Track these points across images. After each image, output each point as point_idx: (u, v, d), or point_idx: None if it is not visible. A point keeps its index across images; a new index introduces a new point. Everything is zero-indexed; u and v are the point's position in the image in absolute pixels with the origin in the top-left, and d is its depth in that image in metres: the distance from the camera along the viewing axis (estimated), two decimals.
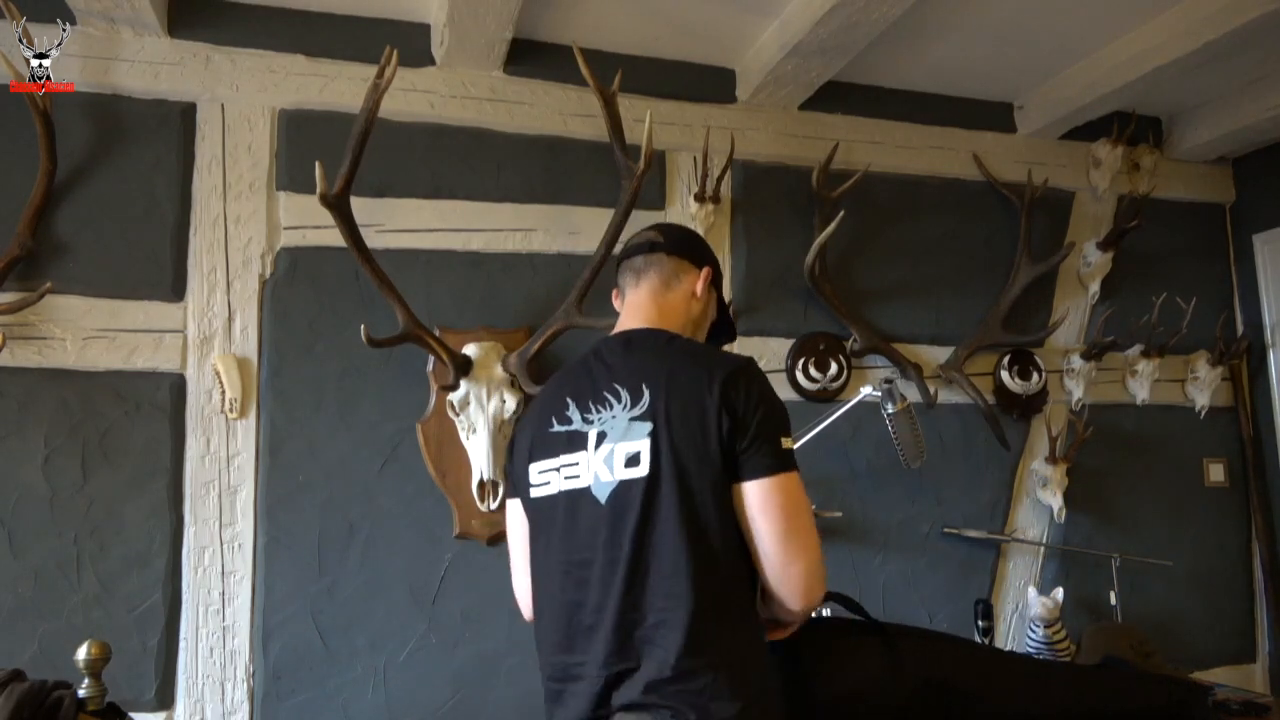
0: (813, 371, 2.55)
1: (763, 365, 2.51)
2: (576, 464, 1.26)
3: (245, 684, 2.04)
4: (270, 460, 2.10)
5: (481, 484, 2.16)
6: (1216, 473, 3.02)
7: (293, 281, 2.17)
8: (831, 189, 2.57)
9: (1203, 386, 2.98)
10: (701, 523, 1.18)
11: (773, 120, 2.64)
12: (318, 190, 1.82)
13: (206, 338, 2.10)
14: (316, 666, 2.07)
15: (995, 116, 2.91)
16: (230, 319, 2.12)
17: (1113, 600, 2.68)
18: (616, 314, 2.07)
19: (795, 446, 1.25)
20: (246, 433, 2.10)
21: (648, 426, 1.21)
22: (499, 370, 2.17)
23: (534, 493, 1.32)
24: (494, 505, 2.18)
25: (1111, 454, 2.88)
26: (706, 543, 1.17)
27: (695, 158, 2.50)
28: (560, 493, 1.28)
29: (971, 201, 2.85)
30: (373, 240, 2.08)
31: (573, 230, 2.40)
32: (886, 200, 2.74)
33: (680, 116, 2.54)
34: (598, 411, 1.27)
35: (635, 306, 1.42)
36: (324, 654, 2.08)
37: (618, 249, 2.17)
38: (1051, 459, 2.71)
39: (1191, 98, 2.94)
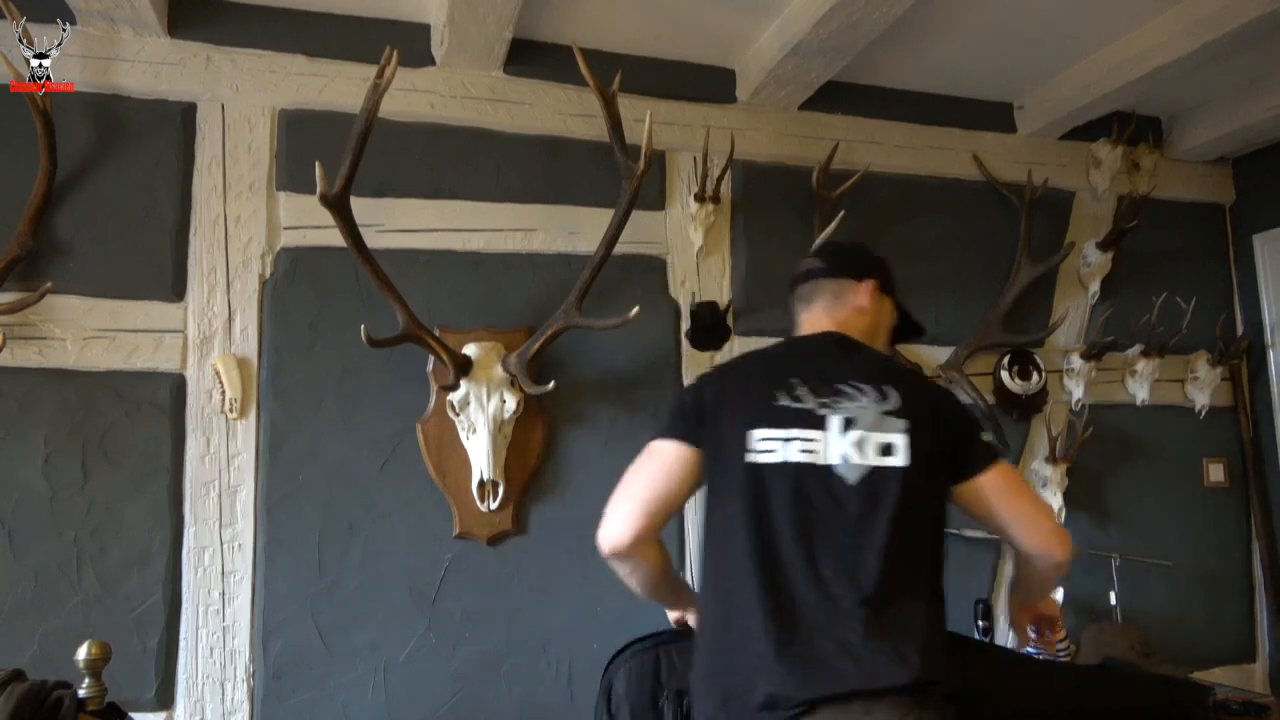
0: None
1: None
2: (815, 440, 1.37)
3: (245, 684, 2.04)
4: (270, 460, 2.10)
5: (481, 484, 2.16)
6: (1216, 473, 3.02)
7: (293, 281, 2.17)
8: (831, 189, 2.57)
9: (1203, 386, 2.98)
10: (941, 512, 1.41)
11: (773, 120, 2.64)
12: (318, 190, 1.82)
13: (206, 338, 2.10)
14: (316, 666, 2.07)
15: (995, 116, 2.91)
16: (230, 319, 2.12)
17: (1113, 600, 2.68)
18: (621, 314, 2.08)
19: None
20: (246, 433, 2.10)
21: (903, 423, 1.37)
22: (499, 370, 2.16)
23: (755, 458, 1.38)
24: (494, 505, 2.18)
25: (1111, 454, 2.88)
26: (940, 531, 1.40)
27: (695, 158, 2.50)
28: (790, 463, 1.36)
29: (971, 201, 2.85)
30: (373, 240, 2.08)
31: (573, 230, 2.40)
32: (886, 200, 2.74)
33: (680, 116, 2.54)
34: (837, 398, 1.39)
35: (815, 324, 1.56)
36: (324, 654, 2.08)
37: (619, 249, 2.20)
38: (1051, 459, 2.71)
39: (1191, 98, 2.94)
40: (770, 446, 1.37)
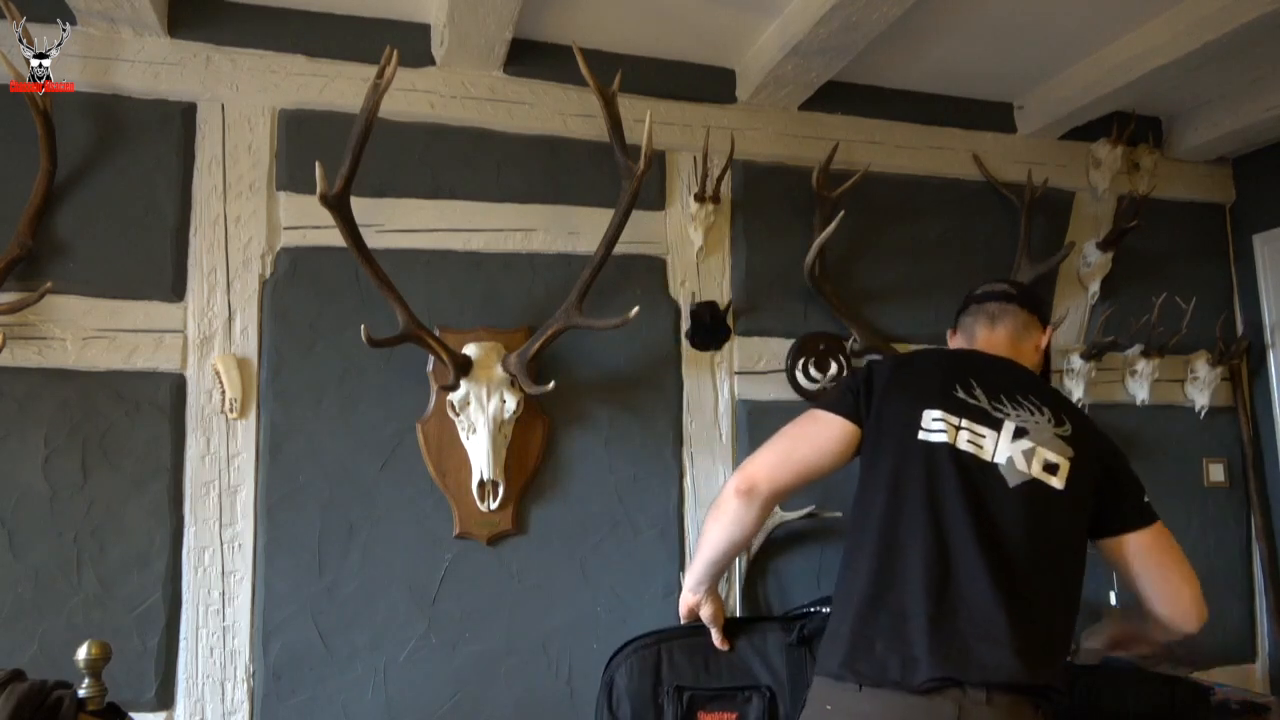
0: (813, 371, 2.55)
1: (762, 365, 2.55)
2: (984, 436, 1.42)
3: (245, 684, 2.04)
4: (270, 460, 2.10)
5: (481, 484, 2.16)
6: (1216, 473, 3.02)
7: (293, 281, 2.17)
8: (831, 189, 2.57)
9: (1203, 386, 2.98)
10: (1084, 548, 1.42)
11: (773, 120, 2.64)
12: (318, 190, 1.82)
13: (206, 338, 2.10)
14: (316, 666, 2.07)
15: (995, 116, 2.91)
16: (230, 319, 2.12)
17: (1113, 600, 2.67)
18: (621, 314, 2.08)
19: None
20: (246, 433, 2.10)
21: (1070, 450, 1.42)
22: (499, 370, 2.16)
23: (926, 436, 1.43)
24: (494, 505, 2.18)
25: None
26: (1082, 565, 1.42)
27: (695, 158, 2.50)
28: (955, 447, 1.41)
29: (971, 201, 2.85)
30: (373, 240, 2.08)
31: (573, 230, 2.40)
32: (886, 200, 2.74)
33: (680, 116, 2.54)
34: (1013, 408, 1.45)
35: (995, 345, 1.62)
36: (324, 654, 2.08)
37: (619, 249, 2.20)
38: None
39: (1191, 98, 2.94)
40: (939, 427, 1.42)
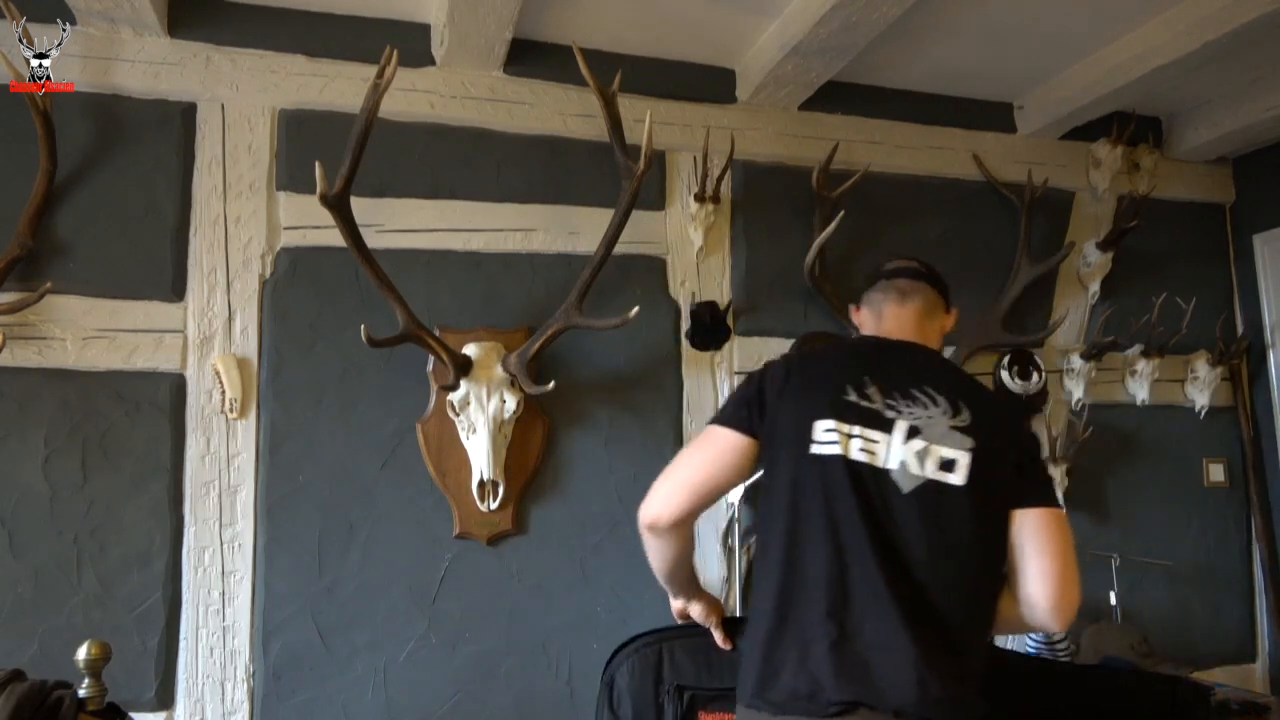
0: None
1: (762, 365, 2.54)
2: (877, 442, 1.35)
3: (245, 684, 2.04)
4: (270, 460, 2.10)
5: (481, 484, 2.16)
6: (1216, 473, 3.02)
7: (293, 281, 2.17)
8: (831, 189, 2.57)
9: (1203, 386, 2.98)
10: (1000, 543, 1.33)
11: (773, 120, 2.64)
12: (318, 190, 1.82)
13: (206, 338, 2.10)
14: (316, 666, 2.07)
15: (995, 116, 2.91)
16: (230, 319, 2.12)
17: (1113, 600, 2.67)
18: (621, 314, 2.08)
19: None
20: (246, 433, 2.10)
21: (969, 441, 1.33)
22: (499, 370, 2.16)
23: (815, 449, 1.36)
24: (494, 505, 2.18)
25: (1111, 454, 2.88)
26: (999, 562, 1.33)
27: (695, 158, 2.50)
28: (847, 458, 1.35)
29: (971, 201, 2.85)
30: (373, 240, 2.08)
31: (573, 230, 2.40)
32: (886, 200, 2.74)
33: (680, 116, 2.54)
34: (907, 404, 1.37)
35: (900, 323, 1.54)
36: (324, 654, 2.08)
37: (619, 249, 2.20)
38: (1051, 459, 2.70)
39: (1191, 98, 2.94)
40: (833, 439, 1.36)
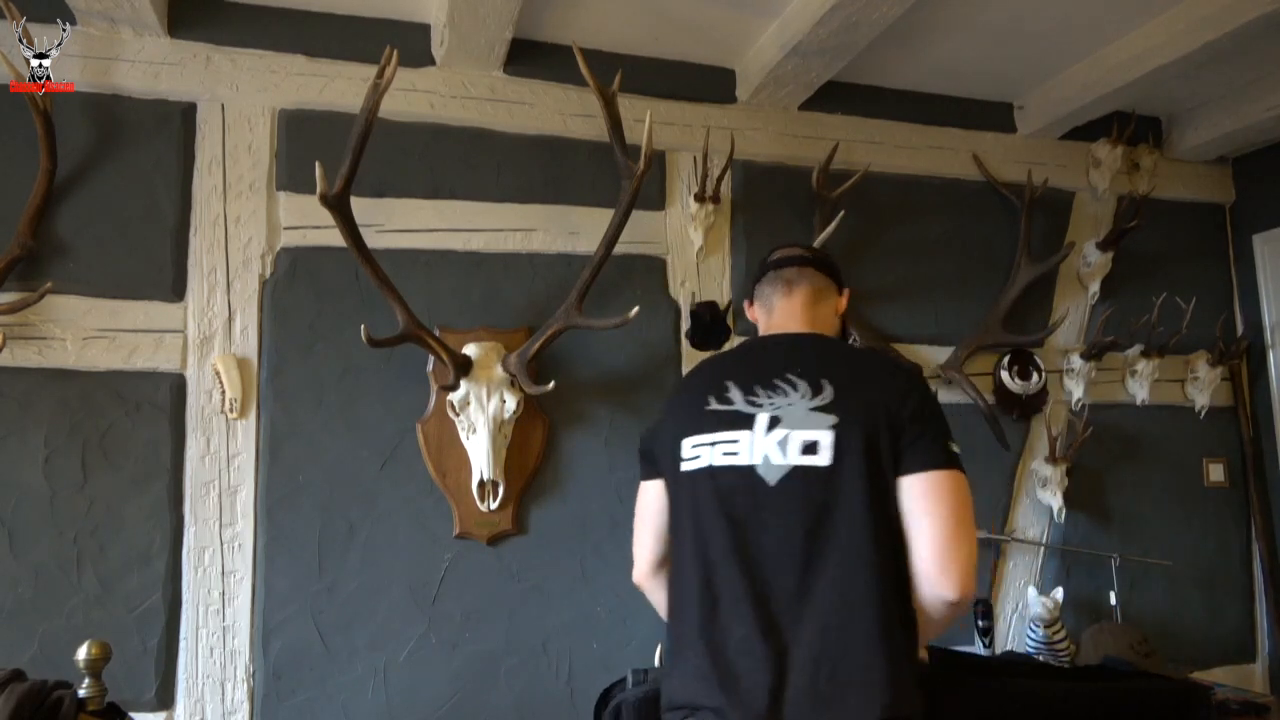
0: None
1: None
2: (738, 441, 1.32)
3: (245, 684, 2.04)
4: (270, 460, 2.10)
5: (481, 484, 2.16)
6: (1216, 473, 3.02)
7: (293, 281, 2.17)
8: (831, 189, 2.57)
9: (1203, 386, 2.98)
10: (885, 515, 1.24)
11: (773, 120, 2.64)
12: (318, 190, 1.82)
13: (206, 338, 2.10)
14: (316, 666, 2.07)
15: (995, 116, 2.91)
16: (230, 319, 2.12)
17: (1113, 600, 2.68)
18: (621, 314, 2.09)
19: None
20: (246, 433, 2.10)
21: (830, 419, 1.27)
22: (499, 370, 2.16)
23: (684, 466, 1.37)
24: (494, 505, 2.18)
25: (1111, 454, 2.88)
26: (889, 536, 1.24)
27: (695, 158, 2.50)
28: (712, 466, 1.33)
29: (971, 201, 2.85)
30: (373, 240, 2.08)
31: (573, 230, 2.40)
32: (886, 200, 2.74)
33: (680, 116, 2.54)
34: (768, 397, 1.33)
35: (790, 313, 1.48)
36: (324, 654, 2.08)
37: (619, 249, 2.20)
38: (1051, 459, 2.71)
39: (1191, 98, 2.94)
40: (697, 453, 1.35)
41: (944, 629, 1.32)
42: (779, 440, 1.29)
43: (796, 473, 1.27)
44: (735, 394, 1.35)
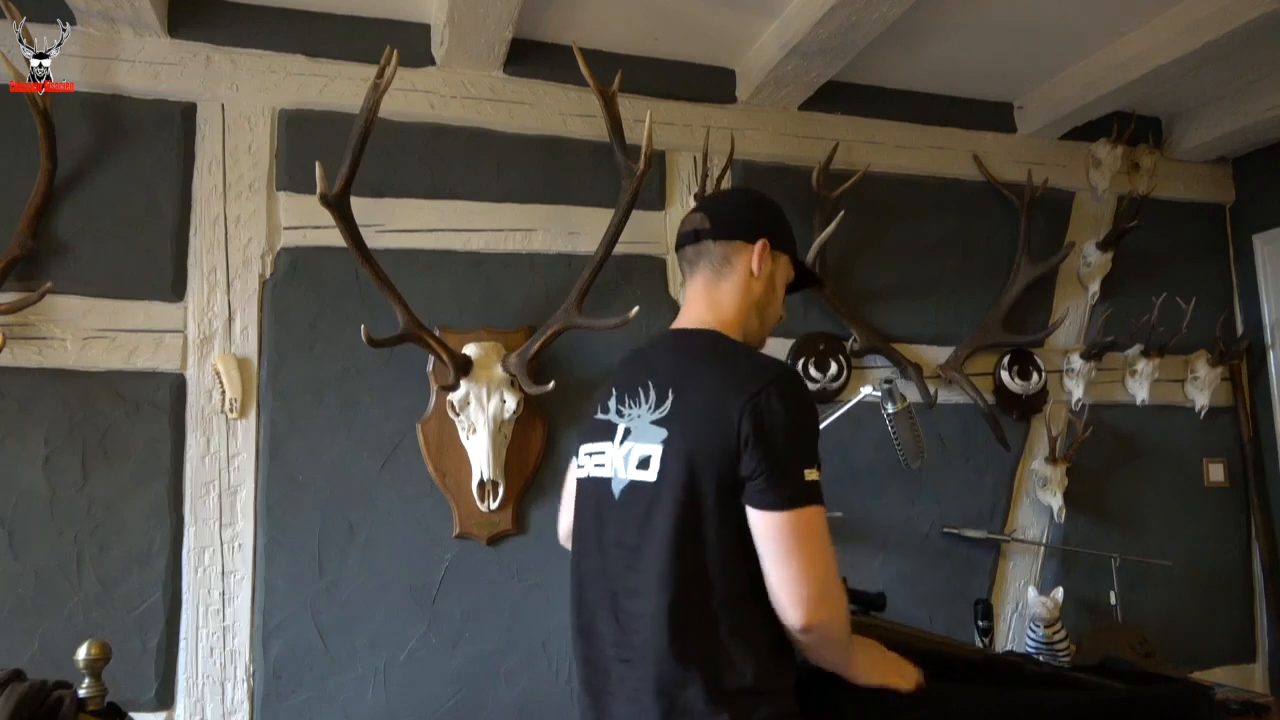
0: (813, 371, 2.55)
1: None
2: (604, 453, 1.29)
3: (245, 684, 2.04)
4: (270, 460, 2.10)
5: (481, 484, 2.16)
6: (1216, 473, 3.02)
7: (293, 281, 2.17)
8: (831, 189, 2.57)
9: (1203, 386, 2.98)
10: (698, 539, 1.13)
11: (773, 120, 2.64)
12: (318, 190, 1.82)
13: (206, 338, 2.10)
14: (316, 666, 2.07)
15: (995, 116, 2.91)
16: (230, 319, 2.12)
17: (1113, 600, 2.68)
18: (621, 314, 2.09)
19: (816, 470, 1.14)
20: (246, 433, 2.10)
21: (663, 433, 1.19)
22: (499, 370, 2.16)
23: (577, 473, 1.37)
24: (494, 505, 2.18)
25: (1111, 454, 2.88)
26: (700, 560, 1.13)
27: (695, 158, 2.50)
28: (589, 477, 1.32)
29: (971, 201, 2.85)
30: (373, 240, 2.08)
31: (573, 230, 2.40)
32: (886, 200, 2.74)
33: (680, 116, 2.54)
34: (631, 406, 1.27)
35: (691, 301, 1.35)
36: (324, 654, 2.08)
37: (619, 249, 2.21)
38: (1051, 459, 2.71)
39: (1191, 98, 2.94)
40: (583, 462, 1.34)
41: (828, 655, 1.21)
42: (625, 454, 1.24)
43: (631, 488, 1.21)
44: (612, 402, 1.30)
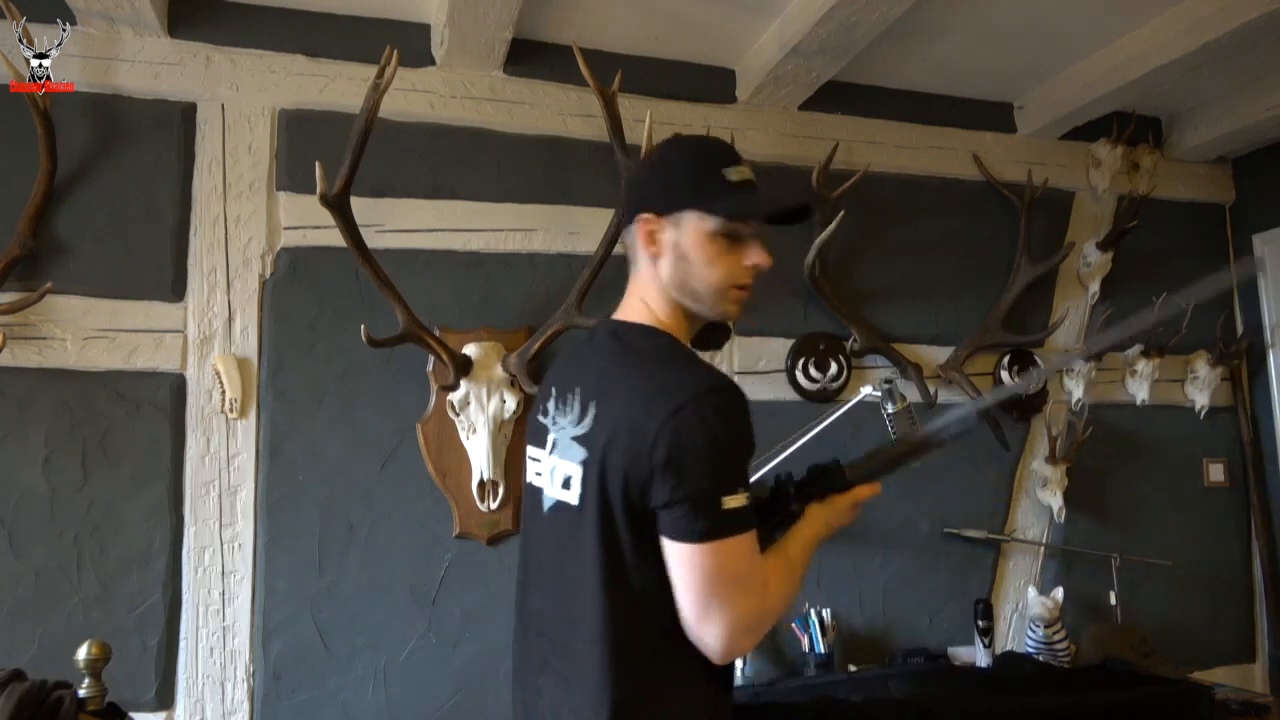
0: (813, 371, 2.55)
1: (762, 365, 2.54)
2: (540, 461, 1.21)
3: (245, 684, 2.04)
4: (270, 460, 2.10)
5: (481, 484, 2.16)
6: (1216, 473, 3.02)
7: (293, 281, 2.17)
8: (831, 189, 2.57)
9: (1203, 386, 2.98)
10: (624, 569, 1.06)
11: (773, 120, 2.64)
12: (318, 190, 1.82)
13: (206, 338, 2.10)
14: (317, 666, 2.07)
15: (995, 116, 2.91)
16: (230, 319, 2.12)
17: (1112, 600, 2.68)
18: None
19: (745, 504, 1.03)
20: (246, 433, 2.10)
21: (582, 453, 1.09)
22: (499, 370, 2.17)
23: (526, 479, 1.28)
24: (494, 505, 2.18)
25: (1111, 454, 2.88)
26: (629, 591, 1.06)
27: None
28: (529, 484, 1.25)
29: (971, 201, 2.85)
30: (373, 240, 2.08)
31: (573, 230, 2.40)
32: (886, 200, 2.74)
33: (680, 116, 2.54)
34: (560, 414, 1.17)
35: (627, 292, 1.24)
36: (324, 654, 2.08)
37: (618, 249, 2.20)
38: (1051, 459, 2.71)
39: (1191, 98, 2.94)
40: (528, 463, 1.26)
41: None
42: (552, 469, 1.15)
43: (557, 507, 1.14)
44: (551, 404, 1.20)
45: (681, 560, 1.02)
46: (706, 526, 1.00)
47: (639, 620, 1.07)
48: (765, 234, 1.18)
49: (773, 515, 1.24)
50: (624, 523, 1.05)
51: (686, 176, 1.14)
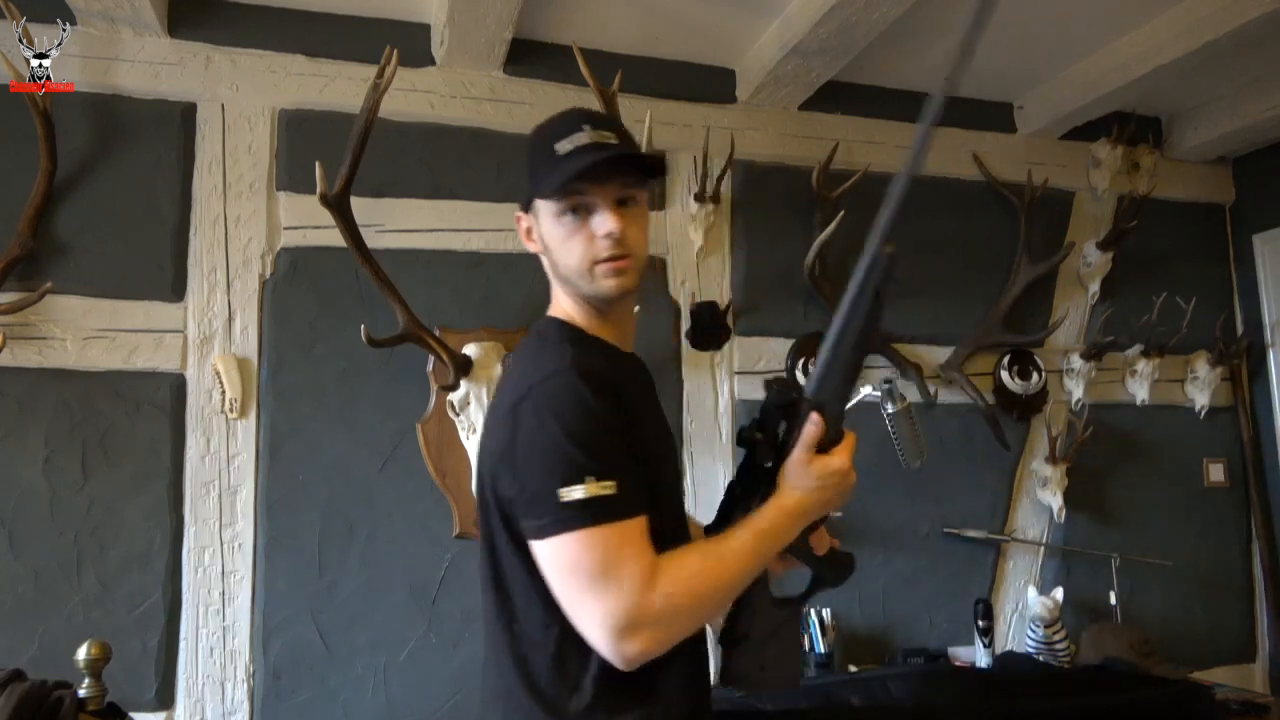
0: (812, 370, 2.54)
1: (762, 365, 2.54)
2: None
3: (245, 684, 2.04)
4: (270, 460, 2.10)
5: None
6: (1216, 473, 3.02)
7: (293, 281, 2.17)
8: (831, 189, 2.57)
9: (1203, 386, 2.98)
10: (503, 573, 1.03)
11: (773, 120, 2.64)
12: (318, 190, 1.82)
13: (206, 338, 2.10)
14: (317, 666, 2.07)
15: (995, 116, 2.91)
16: (230, 319, 2.12)
17: (1112, 600, 2.67)
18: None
19: (601, 493, 0.93)
20: (246, 433, 2.10)
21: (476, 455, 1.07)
22: (499, 370, 2.16)
23: None
24: None
25: (1111, 454, 2.88)
26: (508, 599, 1.03)
27: (695, 158, 2.50)
28: None
29: (971, 201, 2.85)
30: (373, 240, 2.08)
31: None
32: None
33: (680, 116, 2.54)
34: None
35: None
36: (324, 654, 2.08)
37: None
38: (1051, 459, 2.71)
39: (1191, 98, 2.94)
40: None
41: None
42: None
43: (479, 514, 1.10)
44: None
45: (539, 559, 0.97)
46: (546, 522, 0.94)
47: (524, 633, 1.03)
48: (636, 192, 1.10)
49: (744, 479, 1.13)
50: (499, 525, 1.02)
51: (530, 164, 1.11)
